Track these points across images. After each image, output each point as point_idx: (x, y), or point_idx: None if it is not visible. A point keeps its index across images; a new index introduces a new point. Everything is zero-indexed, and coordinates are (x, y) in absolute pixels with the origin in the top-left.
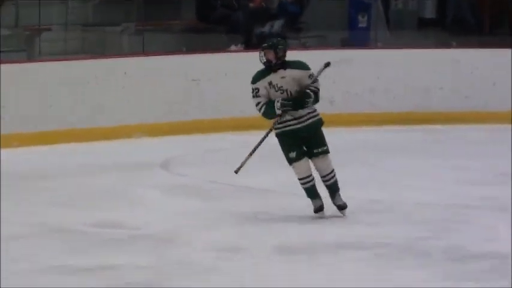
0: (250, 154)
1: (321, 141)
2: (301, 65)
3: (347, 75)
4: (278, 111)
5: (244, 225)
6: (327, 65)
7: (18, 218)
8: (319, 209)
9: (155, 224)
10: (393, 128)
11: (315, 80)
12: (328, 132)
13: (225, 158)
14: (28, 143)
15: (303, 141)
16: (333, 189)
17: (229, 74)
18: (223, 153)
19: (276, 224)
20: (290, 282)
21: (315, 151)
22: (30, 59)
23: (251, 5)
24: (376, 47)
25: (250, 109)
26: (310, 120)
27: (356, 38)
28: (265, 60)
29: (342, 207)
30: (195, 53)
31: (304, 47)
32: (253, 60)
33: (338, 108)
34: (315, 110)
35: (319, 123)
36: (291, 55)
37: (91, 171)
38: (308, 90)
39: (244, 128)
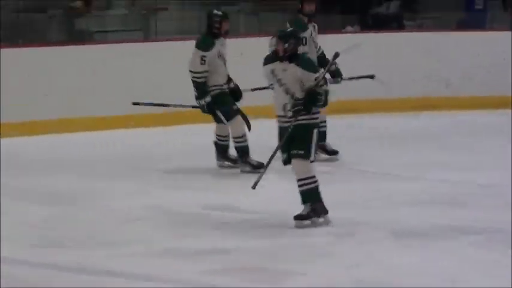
0: (265, 169)
1: (300, 144)
2: (307, 65)
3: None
4: (288, 113)
5: (358, 210)
6: (336, 55)
7: (135, 200)
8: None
9: (269, 208)
10: None
11: (320, 83)
12: (447, 115)
13: (347, 142)
14: (155, 123)
15: (290, 141)
16: (302, 198)
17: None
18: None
19: (389, 209)
20: (414, 268)
21: (291, 152)
22: (146, 38)
23: None
24: (492, 29)
25: (356, 92)
26: (300, 121)
27: (472, 19)
28: (274, 48)
29: (295, 217)
30: None
31: (420, 28)
32: (369, 42)
33: (454, 91)
34: (312, 113)
35: (307, 127)
36: (406, 37)
37: (208, 152)
38: (319, 89)
39: (351, 111)
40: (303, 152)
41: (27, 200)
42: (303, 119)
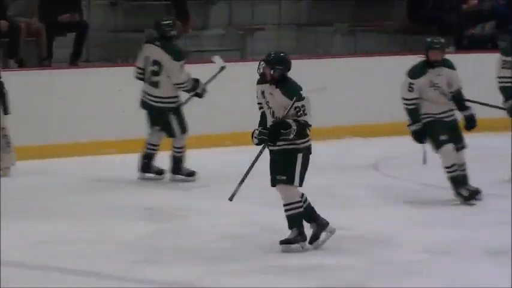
0: (242, 181)
1: (282, 169)
2: (289, 93)
3: None
4: (255, 140)
5: (452, 228)
6: (222, 68)
7: (230, 217)
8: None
9: (365, 225)
10: None
11: (303, 113)
12: None
13: (436, 161)
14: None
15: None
16: (288, 223)
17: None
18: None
19: (484, 227)
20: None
21: (276, 177)
22: (243, 58)
23: (464, 6)
24: None
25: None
26: (283, 147)
27: None
28: (261, 71)
29: (282, 241)
30: (406, 54)
31: None
32: (465, 63)
33: None
34: (300, 138)
35: (292, 151)
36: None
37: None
38: (290, 121)
39: None
40: (285, 177)
41: (125, 217)
42: (284, 144)
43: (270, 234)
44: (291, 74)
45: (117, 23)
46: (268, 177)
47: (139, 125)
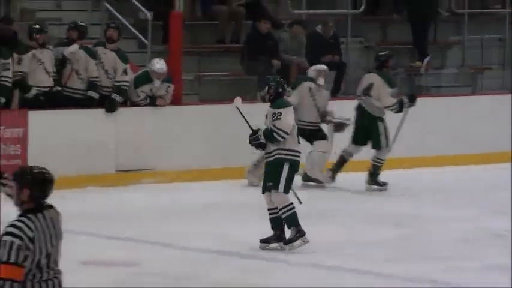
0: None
1: (270, 177)
2: (274, 104)
3: None
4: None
5: None
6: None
7: (469, 224)
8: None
9: None
10: None
11: (276, 119)
12: None
13: None
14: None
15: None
16: (286, 224)
17: None
18: None
19: None
20: None
21: (265, 185)
22: (474, 92)
23: None
24: None
25: None
26: (271, 158)
27: None
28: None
29: (261, 240)
30: None
31: None
32: None
33: None
34: (282, 149)
35: (276, 162)
36: None
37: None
38: (260, 129)
39: None
40: (272, 183)
41: (375, 224)
42: (270, 157)
43: (494, 238)
44: None
45: (369, 62)
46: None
47: None
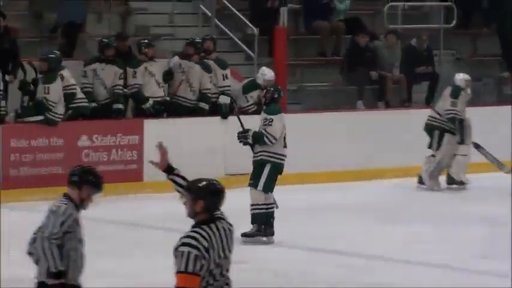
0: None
1: (252, 176)
2: (268, 110)
3: None
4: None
5: None
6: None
7: None
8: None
9: None
10: None
11: (268, 124)
12: None
13: None
14: None
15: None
16: (251, 219)
17: None
18: None
19: None
20: None
21: (249, 182)
22: None
23: None
24: None
25: None
26: (256, 158)
27: None
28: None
29: (242, 234)
30: None
31: None
32: None
33: None
34: (267, 151)
35: (260, 162)
36: None
37: None
38: (250, 130)
39: None
40: (252, 181)
41: (463, 222)
42: (256, 157)
43: None
44: None
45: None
46: None
47: None
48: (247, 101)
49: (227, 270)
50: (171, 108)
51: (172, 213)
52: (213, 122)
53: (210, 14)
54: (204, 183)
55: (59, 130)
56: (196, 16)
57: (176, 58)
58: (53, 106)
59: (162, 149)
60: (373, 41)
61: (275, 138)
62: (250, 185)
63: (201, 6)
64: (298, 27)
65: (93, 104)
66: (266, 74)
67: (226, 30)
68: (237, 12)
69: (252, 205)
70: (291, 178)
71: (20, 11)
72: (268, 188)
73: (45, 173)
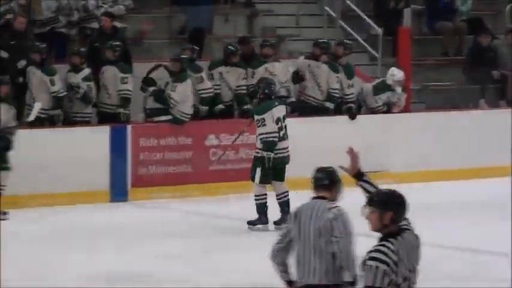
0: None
1: (252, 170)
2: (258, 110)
3: None
4: None
5: None
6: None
7: None
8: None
9: None
10: None
11: (262, 125)
12: None
13: None
14: None
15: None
16: (256, 209)
17: None
18: None
19: None
20: None
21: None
22: None
23: None
24: None
25: None
26: (256, 154)
27: None
28: None
29: (248, 222)
30: None
31: None
32: None
33: None
34: (261, 149)
35: (257, 157)
36: None
37: None
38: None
39: None
40: (251, 175)
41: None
42: (256, 152)
43: None
44: None
45: None
46: None
47: None
48: (376, 102)
49: (414, 283)
50: (298, 108)
51: None
52: (343, 122)
53: (334, 15)
54: (388, 194)
55: (187, 129)
56: (321, 17)
57: (301, 58)
58: (174, 104)
59: (353, 153)
60: (493, 40)
61: (273, 134)
62: (251, 179)
63: (326, 7)
64: (421, 27)
65: (221, 106)
66: (395, 74)
67: (350, 31)
68: (361, 13)
69: (255, 196)
70: (432, 175)
71: (153, 14)
72: (264, 181)
73: (173, 172)
